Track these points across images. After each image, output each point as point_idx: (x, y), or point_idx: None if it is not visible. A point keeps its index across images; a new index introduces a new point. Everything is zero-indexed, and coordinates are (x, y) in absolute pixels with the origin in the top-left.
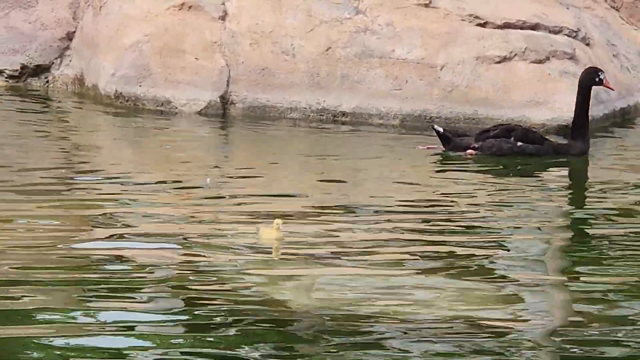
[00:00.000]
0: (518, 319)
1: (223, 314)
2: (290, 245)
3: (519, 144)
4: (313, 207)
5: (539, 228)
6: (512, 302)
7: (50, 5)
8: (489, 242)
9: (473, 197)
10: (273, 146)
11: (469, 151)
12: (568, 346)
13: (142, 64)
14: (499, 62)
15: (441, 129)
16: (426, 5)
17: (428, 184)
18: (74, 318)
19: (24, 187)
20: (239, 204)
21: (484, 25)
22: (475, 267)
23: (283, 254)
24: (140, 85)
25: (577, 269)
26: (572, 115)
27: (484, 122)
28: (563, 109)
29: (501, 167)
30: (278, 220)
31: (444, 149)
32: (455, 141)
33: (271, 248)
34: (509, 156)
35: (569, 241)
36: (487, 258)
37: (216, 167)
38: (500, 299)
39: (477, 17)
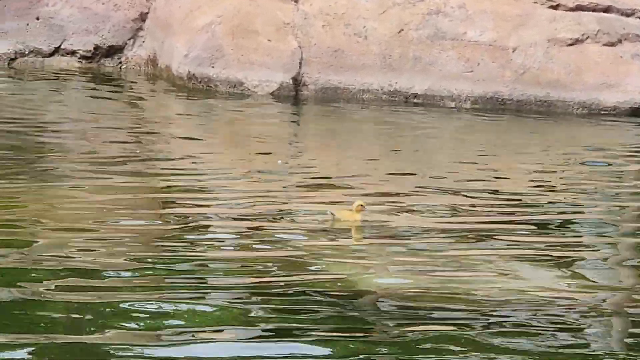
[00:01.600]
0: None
1: (296, 294)
2: (365, 226)
3: None
4: (387, 190)
5: None
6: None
7: None
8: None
9: None
10: (349, 127)
11: None
12: None
13: (214, 45)
14: (571, 45)
15: None
16: None
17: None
18: (151, 305)
19: (100, 167)
20: (312, 186)
21: (556, 7)
22: (560, 257)
23: (358, 234)
24: (212, 67)
25: None
26: None
27: (555, 105)
28: (635, 92)
29: None
30: (359, 202)
31: None
32: None
33: (346, 229)
34: None
35: None
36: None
37: (289, 148)
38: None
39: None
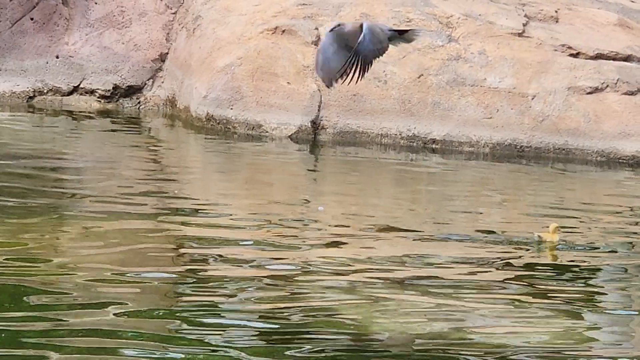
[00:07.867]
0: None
1: (306, 336)
2: (379, 268)
3: None
4: (404, 234)
5: None
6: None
7: (144, 27)
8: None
9: None
10: (368, 172)
11: None
12: None
13: (234, 86)
14: (590, 93)
15: None
16: (519, 35)
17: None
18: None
19: (114, 209)
20: (324, 230)
21: (576, 55)
22: (570, 301)
23: (368, 277)
24: (231, 108)
25: None
26: None
27: (573, 153)
28: None
29: None
30: (555, 224)
31: None
32: None
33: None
34: None
35: None
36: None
37: (308, 194)
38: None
39: (569, 48)
